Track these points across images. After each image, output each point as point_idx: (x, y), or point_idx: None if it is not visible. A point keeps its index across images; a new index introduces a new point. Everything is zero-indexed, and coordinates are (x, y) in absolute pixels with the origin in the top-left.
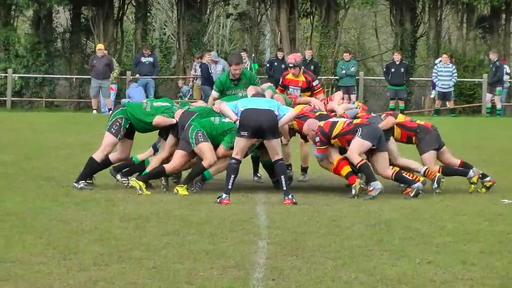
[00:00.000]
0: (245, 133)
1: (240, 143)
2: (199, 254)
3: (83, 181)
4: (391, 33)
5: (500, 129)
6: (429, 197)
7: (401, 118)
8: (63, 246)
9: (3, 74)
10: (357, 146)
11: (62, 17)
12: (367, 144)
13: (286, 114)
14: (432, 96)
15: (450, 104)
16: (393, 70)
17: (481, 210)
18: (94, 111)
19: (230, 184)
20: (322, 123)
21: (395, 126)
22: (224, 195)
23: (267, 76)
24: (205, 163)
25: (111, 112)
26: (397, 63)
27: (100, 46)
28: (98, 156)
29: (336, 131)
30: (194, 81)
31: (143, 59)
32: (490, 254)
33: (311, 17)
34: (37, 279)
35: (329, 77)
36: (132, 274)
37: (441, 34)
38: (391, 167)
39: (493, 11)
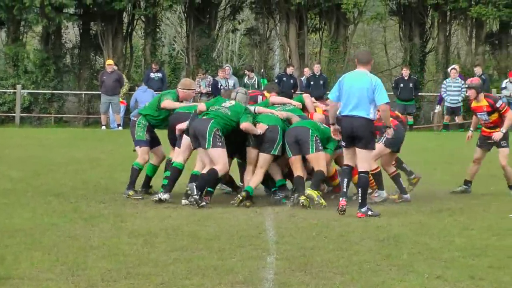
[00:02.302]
0: (343, 143)
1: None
2: (208, 270)
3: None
4: (400, 48)
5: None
6: (437, 213)
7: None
8: (71, 262)
9: (12, 90)
10: (377, 152)
11: (71, 33)
12: (387, 151)
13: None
14: (436, 111)
15: (459, 119)
16: (402, 85)
17: (489, 225)
18: (103, 127)
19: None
20: None
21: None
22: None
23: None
24: (324, 170)
25: (199, 128)
26: (406, 78)
27: (109, 61)
28: (221, 172)
29: None
30: (200, 97)
31: (152, 75)
32: (498, 268)
33: (320, 32)
34: None
35: None
36: None
37: (450, 49)
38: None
39: (502, 27)
